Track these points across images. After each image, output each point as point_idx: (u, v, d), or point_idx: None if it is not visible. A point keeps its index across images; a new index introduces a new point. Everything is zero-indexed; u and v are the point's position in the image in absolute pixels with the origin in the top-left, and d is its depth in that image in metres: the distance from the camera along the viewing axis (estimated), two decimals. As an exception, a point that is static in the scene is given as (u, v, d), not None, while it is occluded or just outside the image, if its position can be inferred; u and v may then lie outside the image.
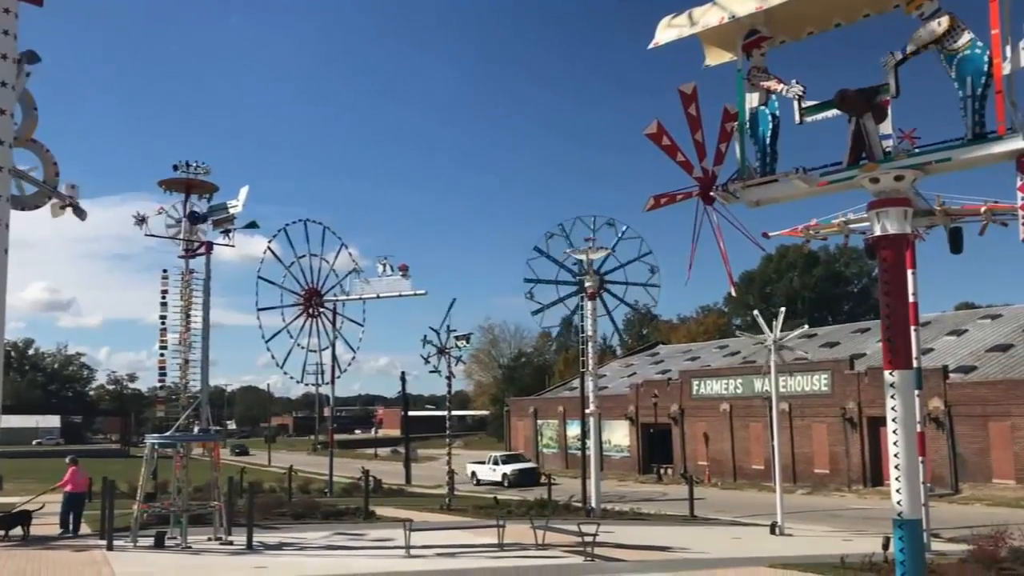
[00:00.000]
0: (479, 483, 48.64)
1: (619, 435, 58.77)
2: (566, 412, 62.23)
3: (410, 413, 65.21)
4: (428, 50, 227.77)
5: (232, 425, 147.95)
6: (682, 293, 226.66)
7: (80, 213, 10.01)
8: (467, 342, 33.98)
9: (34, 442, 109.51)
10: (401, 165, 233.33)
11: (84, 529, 22.78)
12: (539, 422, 67.19)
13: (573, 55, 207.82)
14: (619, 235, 33.22)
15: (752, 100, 10.61)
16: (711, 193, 10.79)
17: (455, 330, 32.90)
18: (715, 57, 11.26)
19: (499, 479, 48.36)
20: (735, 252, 11.38)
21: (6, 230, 8.63)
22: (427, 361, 32.66)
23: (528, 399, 73.95)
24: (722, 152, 10.92)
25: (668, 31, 11.01)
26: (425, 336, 32.47)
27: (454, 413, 36.12)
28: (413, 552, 18.50)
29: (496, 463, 50.14)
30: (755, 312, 26.77)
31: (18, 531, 21.08)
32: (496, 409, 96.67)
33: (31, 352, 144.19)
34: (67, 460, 23.75)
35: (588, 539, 18.40)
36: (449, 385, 33.57)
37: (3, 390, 8.73)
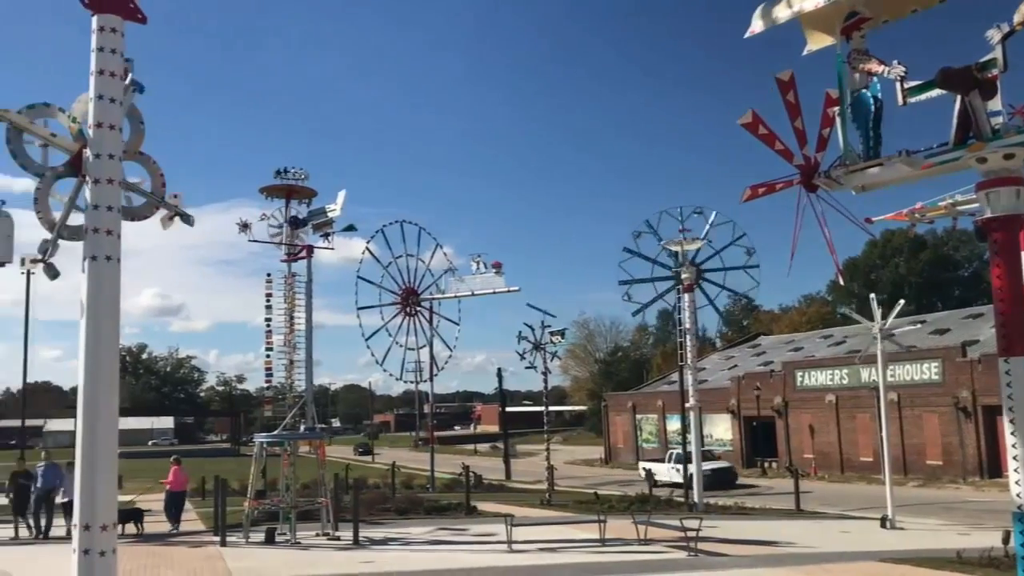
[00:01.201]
0: (656, 484, 38.73)
1: (721, 429, 57.90)
2: (665, 406, 61.61)
3: (507, 409, 65.55)
4: (509, 50, 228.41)
5: (336, 423, 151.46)
6: (783, 283, 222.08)
7: (187, 219, 10.32)
8: (562, 338, 33.91)
9: (150, 443, 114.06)
10: (494, 164, 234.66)
11: (198, 525, 23.88)
12: (638, 417, 66.70)
13: (655, 54, 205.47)
14: (710, 223, 32.59)
15: (853, 83, 10.29)
16: (814, 181, 10.51)
17: (549, 326, 32.91)
18: (816, 42, 10.96)
19: (684, 480, 35.58)
20: (837, 239, 11.03)
21: (118, 240, 8.98)
22: (523, 357, 32.73)
23: (626, 394, 73.50)
24: (824, 138, 10.63)
25: (765, 18, 10.78)
26: (520, 332, 32.56)
27: (551, 408, 36.11)
28: (515, 547, 18.62)
29: (678, 461, 40.24)
30: (871, 297, 25.81)
31: (131, 528, 22.00)
32: (593, 404, 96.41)
33: (144, 356, 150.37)
34: (171, 460, 25.06)
35: (691, 534, 18.17)
36: (545, 381, 33.58)
37: (120, 393, 9.11)
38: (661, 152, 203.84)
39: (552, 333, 32.72)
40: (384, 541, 20.61)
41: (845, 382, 48.56)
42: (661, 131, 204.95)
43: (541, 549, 18.83)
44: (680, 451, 40.13)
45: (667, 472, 42.88)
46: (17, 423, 59.21)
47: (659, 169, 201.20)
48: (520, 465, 60.43)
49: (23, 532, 22.03)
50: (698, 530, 18.26)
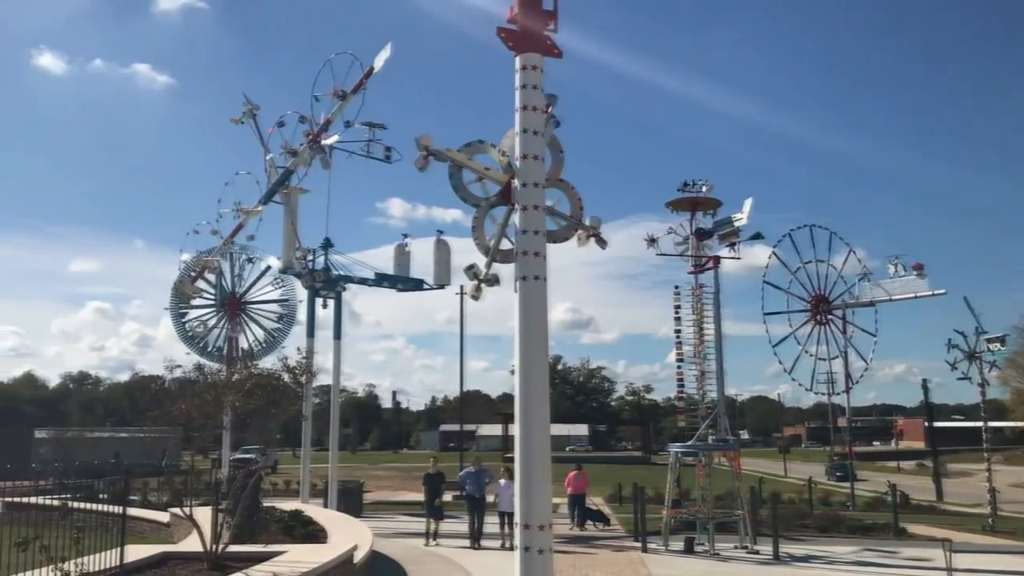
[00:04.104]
0: None
1: None
2: None
3: (935, 424, 60.05)
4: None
5: (746, 435, 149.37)
6: None
7: (602, 243, 10.86)
8: (1002, 345, 30.41)
9: (567, 448, 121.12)
10: (904, 160, 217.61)
11: (619, 531, 24.98)
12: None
13: None
14: None
15: None
16: None
17: (985, 332, 29.68)
18: None
19: None
20: None
21: (544, 261, 9.67)
22: (953, 367, 29.89)
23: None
24: None
25: None
26: (950, 340, 29.79)
27: (990, 424, 32.43)
28: (956, 575, 16.94)
29: None
30: None
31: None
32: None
33: (560, 367, 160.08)
34: (574, 466, 27.81)
35: None
36: (983, 393, 30.31)
37: (547, 403, 9.73)
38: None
39: (989, 340, 29.54)
40: (805, 558, 19.87)
41: None
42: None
43: (990, 580, 16.95)
44: None
45: None
46: (456, 427, 66.27)
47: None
48: (952, 486, 54.97)
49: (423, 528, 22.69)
50: None
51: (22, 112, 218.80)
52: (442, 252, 29.38)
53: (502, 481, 21.31)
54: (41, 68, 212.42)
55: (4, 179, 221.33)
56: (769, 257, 37.15)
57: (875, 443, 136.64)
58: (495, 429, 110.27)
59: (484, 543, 21.32)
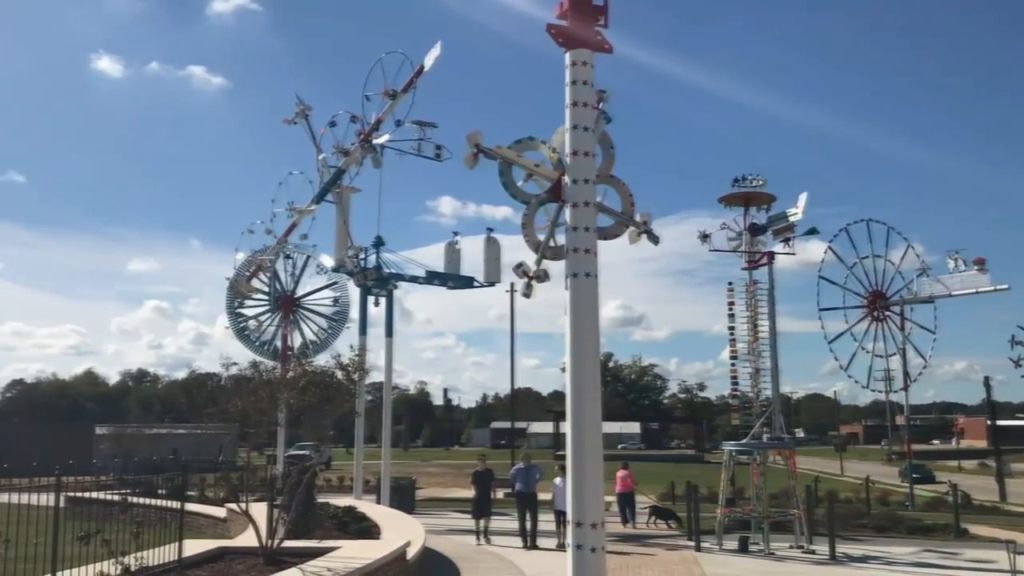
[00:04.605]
0: None
1: None
2: None
3: (998, 423, 58.58)
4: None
5: (800, 433, 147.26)
6: None
7: (654, 239, 10.75)
8: (1069, 342, 29.61)
9: (619, 446, 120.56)
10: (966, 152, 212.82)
11: (673, 530, 24.80)
12: None
13: None
14: None
15: None
16: None
17: (1051, 328, 28.92)
18: None
19: None
20: None
21: (595, 258, 9.61)
22: (1017, 364, 29.18)
23: None
24: None
25: None
26: (1013, 336, 29.08)
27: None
28: (1020, 578, 16.48)
29: None
30: None
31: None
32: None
33: (611, 364, 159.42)
34: (621, 464, 28.17)
35: None
36: (1047, 391, 29.55)
37: (598, 400, 9.66)
38: None
39: (1055, 337, 28.77)
40: (863, 559, 19.51)
41: None
42: None
43: (1054, 583, 16.46)
44: None
45: None
46: (508, 424, 66.33)
47: None
48: (1016, 486, 53.54)
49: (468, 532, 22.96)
50: None
51: (82, 115, 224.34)
52: (492, 249, 29.41)
53: (557, 480, 20.71)
54: (100, 72, 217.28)
55: (66, 182, 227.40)
56: (825, 252, 36.45)
57: (935, 442, 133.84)
58: (546, 427, 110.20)
59: (539, 542, 20.84)
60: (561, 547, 19.24)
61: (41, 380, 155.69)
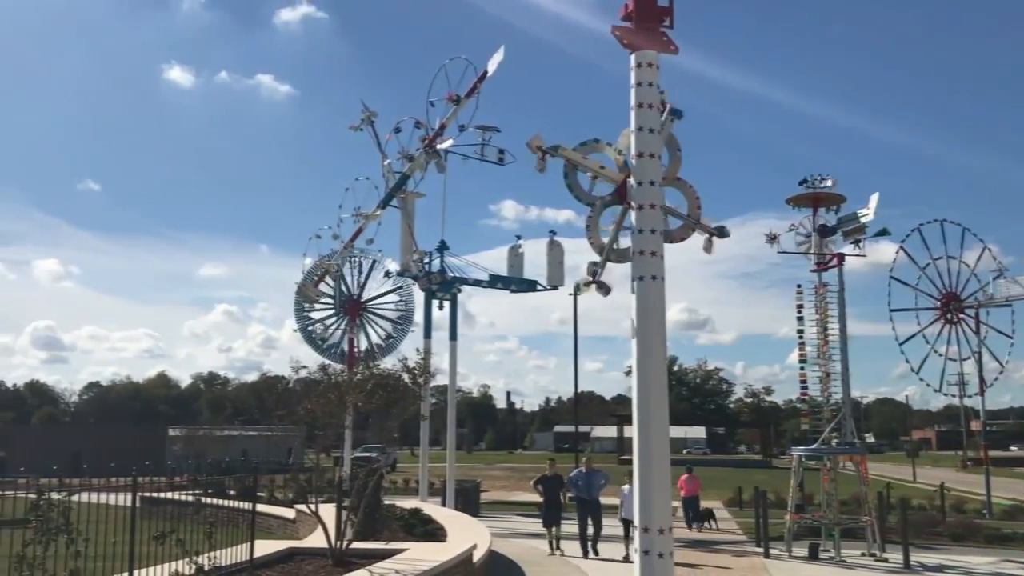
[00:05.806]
0: None
1: None
2: None
3: (1080, 428, 56.30)
4: None
5: (871, 438, 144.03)
6: None
7: (723, 233, 10.60)
8: None
9: (684, 451, 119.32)
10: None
11: (738, 535, 24.43)
12: None
13: None
14: None
15: None
16: None
17: None
18: None
19: None
20: None
21: (661, 260, 9.54)
22: (1101, 368, 28.07)
23: None
24: None
25: None
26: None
27: None
28: (1106, 591, 15.89)
29: None
30: None
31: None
32: None
33: (675, 368, 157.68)
34: (686, 468, 28.53)
35: None
36: None
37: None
38: None
39: None
40: (939, 568, 18.98)
41: None
42: None
43: None
44: None
45: None
46: (571, 428, 66.11)
47: None
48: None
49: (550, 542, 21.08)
50: None
51: (154, 124, 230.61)
52: (555, 253, 29.41)
53: (625, 487, 19.49)
54: (171, 81, 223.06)
55: (139, 189, 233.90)
56: (896, 252, 35.46)
57: (1012, 448, 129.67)
58: (609, 431, 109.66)
59: (602, 550, 20.04)
60: (627, 559, 18.48)
61: (116, 383, 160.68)
